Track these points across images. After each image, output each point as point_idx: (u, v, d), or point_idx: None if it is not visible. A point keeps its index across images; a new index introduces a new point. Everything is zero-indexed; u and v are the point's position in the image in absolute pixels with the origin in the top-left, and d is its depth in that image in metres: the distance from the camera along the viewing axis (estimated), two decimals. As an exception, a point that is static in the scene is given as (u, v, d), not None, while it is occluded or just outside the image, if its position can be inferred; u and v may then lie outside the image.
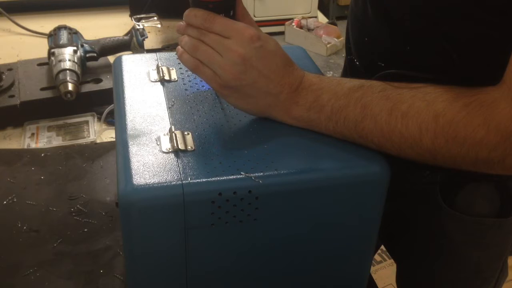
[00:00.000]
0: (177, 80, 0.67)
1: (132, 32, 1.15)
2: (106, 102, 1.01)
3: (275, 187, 0.52)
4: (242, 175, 0.51)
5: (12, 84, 1.03)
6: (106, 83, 1.06)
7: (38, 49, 1.17)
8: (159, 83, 0.66)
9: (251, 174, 0.51)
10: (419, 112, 0.50)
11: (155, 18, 1.16)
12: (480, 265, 0.70)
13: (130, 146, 0.54)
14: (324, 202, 0.55)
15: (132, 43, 1.14)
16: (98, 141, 0.97)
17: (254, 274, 0.58)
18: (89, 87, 1.05)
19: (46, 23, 1.31)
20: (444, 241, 0.64)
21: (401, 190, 0.62)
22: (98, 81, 1.07)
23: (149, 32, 1.19)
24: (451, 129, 0.49)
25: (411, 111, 0.50)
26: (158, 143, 0.55)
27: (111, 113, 1.01)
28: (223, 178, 0.51)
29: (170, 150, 0.54)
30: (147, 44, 1.17)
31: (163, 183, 0.50)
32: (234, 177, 0.51)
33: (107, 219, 0.79)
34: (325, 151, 0.56)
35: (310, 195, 0.54)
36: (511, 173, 0.50)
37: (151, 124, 0.58)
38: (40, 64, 1.11)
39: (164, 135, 0.56)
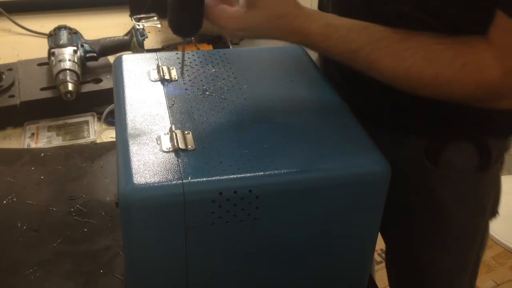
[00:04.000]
0: (177, 80, 0.67)
1: (132, 32, 1.15)
2: (106, 102, 1.01)
3: (275, 187, 0.52)
4: (243, 174, 0.51)
5: (12, 84, 1.03)
6: (106, 83, 1.06)
7: (38, 49, 1.17)
8: (159, 82, 0.66)
9: (252, 174, 0.51)
10: (421, 71, 0.57)
11: (155, 18, 1.16)
12: (465, 222, 0.75)
13: (130, 146, 0.54)
14: (324, 201, 0.55)
15: (132, 43, 1.14)
16: (98, 141, 0.97)
17: (254, 273, 0.58)
18: (89, 87, 1.05)
19: (46, 23, 1.31)
20: (431, 202, 0.66)
21: (388, 157, 0.64)
22: (98, 81, 1.06)
23: (149, 32, 1.19)
24: (448, 87, 0.57)
25: (413, 69, 0.57)
26: (159, 143, 0.55)
27: (111, 113, 1.01)
28: (224, 177, 0.51)
29: (170, 150, 0.54)
30: (147, 44, 1.17)
31: (164, 182, 0.50)
32: (235, 176, 0.51)
33: (107, 219, 0.78)
34: (325, 150, 0.56)
35: (310, 194, 0.54)
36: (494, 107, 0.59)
37: (152, 124, 0.58)
38: (40, 64, 1.11)
39: (165, 134, 0.56)
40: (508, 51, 0.55)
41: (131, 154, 0.53)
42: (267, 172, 0.52)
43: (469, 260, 0.80)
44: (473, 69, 0.56)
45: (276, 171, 0.52)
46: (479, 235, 0.78)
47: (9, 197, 0.81)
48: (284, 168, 0.53)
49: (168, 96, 0.63)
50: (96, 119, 1.02)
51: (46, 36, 1.14)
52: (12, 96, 1.01)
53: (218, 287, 0.58)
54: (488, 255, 1.92)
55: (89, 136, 0.98)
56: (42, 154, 0.91)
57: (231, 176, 0.51)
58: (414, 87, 0.59)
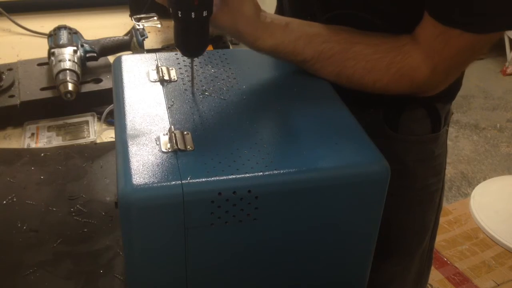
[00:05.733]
0: (176, 80, 0.67)
1: (132, 32, 1.15)
2: (106, 102, 1.01)
3: (274, 187, 0.52)
4: (242, 174, 0.51)
5: (12, 84, 1.03)
6: (106, 83, 1.06)
7: (38, 49, 1.17)
8: (158, 83, 0.66)
9: (251, 174, 0.51)
10: (362, 78, 0.68)
11: (155, 18, 1.16)
12: (426, 182, 0.84)
13: (129, 146, 0.54)
14: (323, 201, 0.55)
15: (132, 43, 1.14)
16: (98, 141, 0.97)
17: (254, 273, 0.58)
18: (89, 87, 1.05)
19: (46, 23, 1.31)
20: (396, 165, 0.68)
21: None
22: (98, 81, 1.07)
23: (149, 32, 1.19)
24: (386, 89, 0.69)
25: (355, 76, 0.68)
26: (158, 143, 0.55)
27: (111, 113, 1.01)
28: (223, 177, 0.51)
29: (169, 150, 0.54)
30: (147, 44, 1.17)
31: (163, 183, 0.50)
32: (234, 176, 0.51)
33: (107, 219, 0.79)
34: (324, 150, 0.56)
35: (309, 194, 0.54)
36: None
37: (151, 124, 0.58)
38: (40, 64, 1.11)
39: (164, 135, 0.56)
40: (434, 52, 0.65)
41: (131, 154, 0.53)
42: (267, 173, 0.52)
43: (429, 221, 0.90)
44: (406, 72, 0.66)
45: (276, 171, 0.52)
46: (437, 196, 0.88)
47: (9, 197, 0.81)
48: (283, 168, 0.53)
49: (167, 97, 0.63)
50: (96, 119, 1.02)
51: (46, 36, 1.14)
52: (12, 96, 1.01)
53: (217, 287, 0.58)
54: (488, 255, 1.92)
55: (89, 136, 0.98)
56: (42, 154, 0.91)
57: (230, 177, 0.51)
58: (356, 88, 0.69)
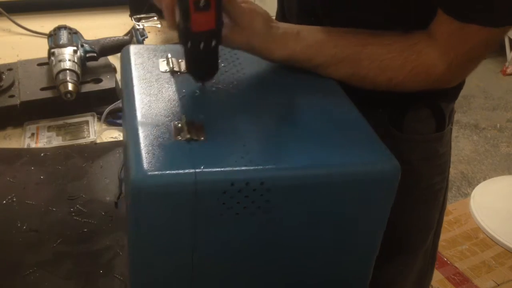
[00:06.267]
0: (186, 72, 0.66)
1: (132, 32, 1.15)
2: (106, 102, 1.01)
3: (287, 181, 0.52)
4: (255, 166, 0.51)
5: (12, 84, 1.03)
6: (106, 83, 1.06)
7: (38, 49, 1.17)
8: (169, 73, 0.65)
9: (264, 166, 0.51)
10: (376, 77, 0.68)
11: (155, 18, 1.16)
12: (431, 181, 0.85)
13: (141, 134, 0.53)
14: (334, 198, 0.54)
15: (132, 43, 1.14)
16: (98, 141, 0.97)
17: (260, 266, 0.58)
18: (89, 87, 1.05)
19: (46, 23, 1.31)
20: (401, 165, 0.69)
21: None
22: (98, 81, 1.06)
23: (149, 32, 1.19)
24: (401, 86, 0.69)
25: (369, 76, 0.68)
26: (170, 132, 0.54)
27: (111, 113, 1.01)
28: (236, 168, 0.50)
29: (182, 139, 0.53)
30: (147, 44, 1.17)
31: (176, 170, 0.49)
32: (247, 168, 0.51)
33: (107, 219, 0.79)
34: (337, 147, 0.56)
35: (320, 190, 0.53)
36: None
37: (162, 114, 0.57)
38: (40, 64, 1.11)
39: (176, 124, 0.55)
40: (450, 48, 0.65)
41: (142, 142, 0.52)
42: (280, 166, 0.52)
43: (433, 220, 0.90)
44: (422, 70, 0.67)
45: (288, 165, 0.52)
46: (441, 195, 0.88)
47: (9, 197, 0.81)
48: (296, 163, 0.53)
49: (178, 87, 0.62)
50: (96, 119, 1.02)
51: (46, 36, 1.14)
52: (12, 96, 1.01)
53: (224, 278, 0.58)
54: (488, 255, 1.92)
55: (89, 136, 0.98)
56: (42, 154, 0.91)
57: (244, 168, 0.51)
58: (369, 88, 0.70)
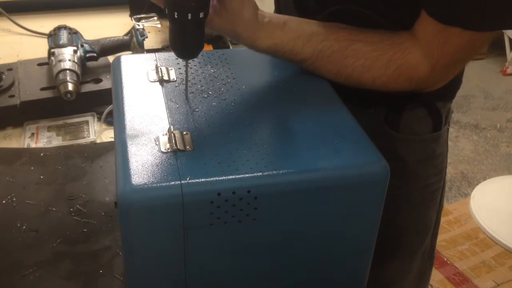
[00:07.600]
0: (176, 80, 0.67)
1: (132, 32, 1.15)
2: (106, 102, 1.01)
3: (274, 187, 0.52)
4: (241, 175, 0.51)
5: (12, 84, 1.03)
6: (106, 83, 1.06)
7: (38, 49, 1.17)
8: (158, 83, 0.66)
9: (250, 174, 0.51)
10: (361, 76, 0.68)
11: (155, 18, 1.16)
12: (427, 181, 0.84)
13: (129, 146, 0.54)
14: (322, 202, 0.55)
15: (132, 43, 1.14)
16: (98, 141, 0.97)
17: (253, 273, 0.58)
18: (89, 87, 1.05)
19: (46, 23, 1.31)
20: (398, 164, 0.70)
21: None
22: (98, 81, 1.07)
23: (149, 32, 1.19)
24: (385, 86, 0.69)
25: (354, 74, 0.68)
26: (157, 143, 0.55)
27: (111, 113, 1.01)
28: (222, 178, 0.51)
29: (169, 150, 0.54)
30: (147, 44, 1.17)
31: (162, 183, 0.50)
32: (233, 177, 0.51)
33: (107, 219, 0.79)
34: (324, 151, 0.56)
35: (308, 195, 0.54)
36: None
37: (150, 124, 0.58)
38: (40, 64, 1.11)
39: (163, 135, 0.56)
40: (434, 49, 0.65)
41: (130, 154, 0.53)
42: (266, 173, 0.52)
43: (430, 220, 0.90)
44: (406, 69, 0.67)
45: (275, 172, 0.52)
46: (438, 195, 0.88)
47: (9, 197, 0.81)
48: (282, 169, 0.53)
49: (166, 97, 0.63)
50: (96, 119, 1.02)
51: (46, 36, 1.14)
52: (12, 96, 1.01)
53: (217, 287, 0.58)
54: (488, 255, 1.92)
55: (89, 136, 0.98)
56: (42, 154, 0.91)
57: (230, 177, 0.51)
58: (355, 86, 0.69)
